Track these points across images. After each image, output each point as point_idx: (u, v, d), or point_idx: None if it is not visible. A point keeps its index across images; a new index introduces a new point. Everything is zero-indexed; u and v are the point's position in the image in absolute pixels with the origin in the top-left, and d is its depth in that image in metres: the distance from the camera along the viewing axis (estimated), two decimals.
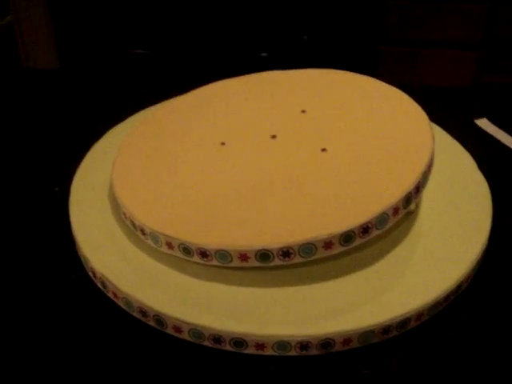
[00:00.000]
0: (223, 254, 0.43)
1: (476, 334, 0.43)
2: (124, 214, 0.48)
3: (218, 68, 0.54)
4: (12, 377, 0.41)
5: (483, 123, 0.66)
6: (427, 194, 0.52)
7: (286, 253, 0.42)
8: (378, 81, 0.56)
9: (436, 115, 0.64)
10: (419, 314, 0.43)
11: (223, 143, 0.52)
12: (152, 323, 0.43)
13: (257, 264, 0.42)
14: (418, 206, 0.51)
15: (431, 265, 0.45)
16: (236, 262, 0.43)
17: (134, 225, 0.47)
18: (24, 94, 0.75)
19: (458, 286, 0.45)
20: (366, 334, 0.41)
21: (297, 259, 0.42)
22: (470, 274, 0.46)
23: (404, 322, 0.42)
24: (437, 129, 0.60)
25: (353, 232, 0.42)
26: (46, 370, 0.42)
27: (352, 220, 0.42)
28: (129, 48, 1.65)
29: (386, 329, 0.42)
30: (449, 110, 0.69)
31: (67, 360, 0.42)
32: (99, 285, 0.47)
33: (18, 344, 0.43)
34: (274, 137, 0.52)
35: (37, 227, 0.54)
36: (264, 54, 1.69)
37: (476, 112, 0.68)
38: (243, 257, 0.42)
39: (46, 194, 0.58)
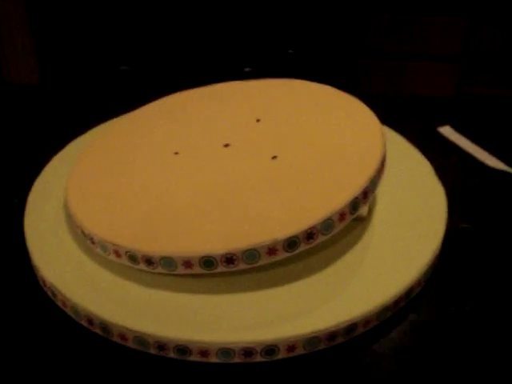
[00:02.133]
0: (168, 261, 0.42)
1: (428, 338, 0.43)
2: (75, 223, 0.48)
3: (200, 83, 0.54)
4: None
5: (446, 131, 0.67)
6: (382, 199, 0.52)
7: (229, 259, 0.42)
8: (334, 89, 0.57)
9: (400, 124, 0.64)
10: (366, 320, 0.43)
11: (176, 153, 0.52)
12: (98, 331, 0.43)
13: (201, 271, 0.42)
14: (370, 212, 0.51)
15: (381, 271, 0.45)
16: (180, 269, 0.43)
17: (84, 234, 0.47)
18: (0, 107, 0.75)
19: (408, 291, 0.45)
20: (311, 341, 0.41)
21: (241, 265, 0.42)
22: (421, 279, 0.46)
23: (350, 328, 0.42)
24: (397, 137, 0.60)
25: (297, 238, 0.42)
26: None
27: (296, 225, 0.42)
28: (111, 64, 1.66)
29: (332, 335, 0.41)
30: (413, 118, 0.69)
31: (15, 365, 0.42)
32: (49, 293, 0.46)
33: None
34: (227, 145, 0.52)
35: None
36: (248, 69, 1.70)
37: (440, 120, 0.69)
38: (187, 264, 0.42)
39: (5, 205, 0.58)
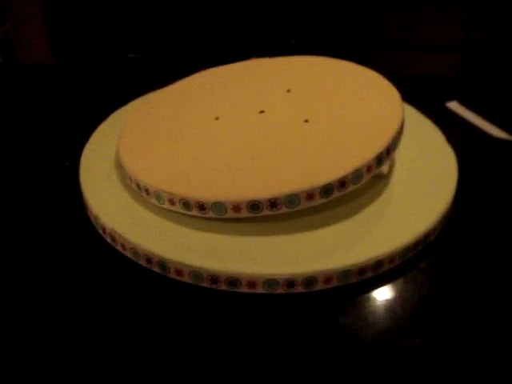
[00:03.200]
0: (218, 206, 0.49)
1: (442, 278, 0.49)
2: (130, 178, 0.54)
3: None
4: (33, 320, 0.47)
5: (454, 106, 0.73)
6: (400, 161, 0.58)
7: (273, 203, 0.48)
8: (357, 65, 0.63)
9: (410, 100, 0.70)
10: (391, 258, 0.49)
11: (217, 118, 0.58)
12: (156, 269, 0.49)
13: (248, 214, 0.48)
14: (390, 171, 0.57)
15: (402, 217, 0.52)
16: (230, 213, 0.49)
17: (138, 186, 0.53)
18: (24, 86, 0.81)
19: (426, 236, 0.51)
20: (345, 274, 0.47)
21: (283, 209, 0.48)
22: (437, 226, 0.52)
23: (378, 264, 0.48)
24: (410, 109, 0.66)
25: (331, 185, 0.48)
26: (64, 318, 0.47)
27: (330, 175, 0.48)
28: (122, 51, 1.71)
29: (362, 269, 0.48)
30: (423, 95, 0.75)
31: (82, 308, 0.48)
32: (108, 239, 0.52)
33: (36, 291, 0.49)
34: (262, 112, 0.58)
35: (50, 197, 0.59)
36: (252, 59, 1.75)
37: (448, 96, 0.75)
38: (236, 208, 0.48)
39: (56, 169, 0.63)
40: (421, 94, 0.76)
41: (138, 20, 1.69)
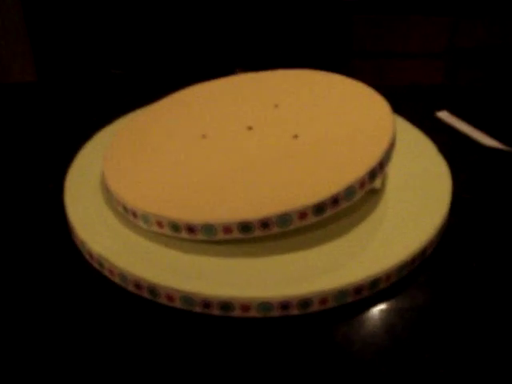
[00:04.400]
0: (208, 228, 0.47)
1: (440, 293, 0.48)
2: (116, 200, 0.52)
3: (194, 83, 0.59)
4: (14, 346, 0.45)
5: (444, 115, 0.72)
6: (393, 175, 0.57)
7: (265, 224, 0.46)
8: (345, 77, 0.62)
9: (400, 111, 0.69)
10: (388, 275, 0.47)
11: (204, 135, 0.57)
12: (146, 295, 0.48)
13: (239, 236, 0.47)
14: (383, 184, 0.56)
15: (398, 233, 0.50)
16: (220, 235, 0.47)
17: (125, 209, 0.51)
18: (11, 105, 0.79)
19: (423, 251, 0.50)
20: (341, 294, 0.46)
21: (275, 230, 0.47)
22: (434, 240, 0.51)
23: (374, 283, 0.47)
24: (400, 120, 0.65)
25: (324, 203, 0.47)
26: (49, 348, 0.45)
27: (323, 192, 0.47)
28: (108, 67, 1.70)
29: (358, 288, 0.46)
30: (412, 106, 0.74)
31: (69, 337, 0.46)
32: (96, 265, 0.51)
33: (20, 322, 0.47)
34: (250, 128, 0.57)
35: (34, 220, 0.58)
36: (238, 70, 1.74)
37: (437, 106, 0.74)
38: (227, 229, 0.47)
39: (40, 191, 0.62)
40: (410, 104, 0.75)
41: (125, 34, 1.67)
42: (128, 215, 0.51)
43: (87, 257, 0.52)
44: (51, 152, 0.69)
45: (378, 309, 0.47)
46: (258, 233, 0.47)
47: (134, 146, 0.57)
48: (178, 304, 0.47)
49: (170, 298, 0.47)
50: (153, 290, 0.47)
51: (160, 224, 0.49)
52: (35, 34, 1.66)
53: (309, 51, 1.67)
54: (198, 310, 0.46)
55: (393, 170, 0.57)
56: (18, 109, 0.79)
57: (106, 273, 0.50)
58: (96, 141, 0.64)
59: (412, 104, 0.75)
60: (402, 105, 0.73)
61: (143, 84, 0.84)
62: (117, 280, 0.49)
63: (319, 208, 0.47)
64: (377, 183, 0.54)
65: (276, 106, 0.59)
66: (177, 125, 0.59)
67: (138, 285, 0.48)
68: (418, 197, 0.54)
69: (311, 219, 0.47)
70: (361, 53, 1.60)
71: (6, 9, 1.55)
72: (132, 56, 1.71)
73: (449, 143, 0.67)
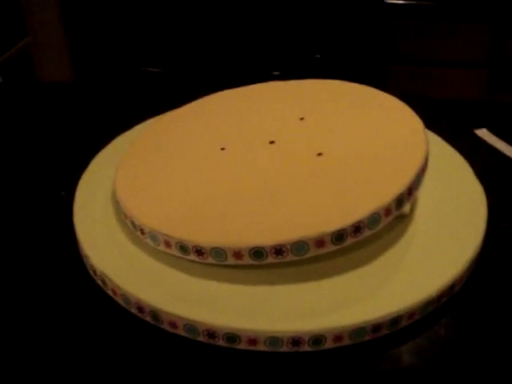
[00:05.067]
0: (218, 252, 0.44)
1: (468, 335, 0.44)
2: (125, 214, 0.49)
3: (229, 86, 0.56)
4: (15, 361, 0.43)
5: (483, 134, 0.67)
6: (423, 198, 0.53)
7: (278, 250, 0.43)
8: (375, 89, 0.58)
9: (437, 126, 0.65)
10: (411, 313, 0.43)
11: (223, 148, 0.53)
12: (148, 319, 0.44)
13: (251, 262, 0.44)
14: (412, 210, 0.52)
15: (424, 265, 0.46)
16: (230, 260, 0.44)
17: (133, 225, 0.48)
18: (38, 104, 0.77)
19: (451, 287, 0.46)
20: (357, 331, 0.42)
21: (290, 257, 0.43)
22: (464, 275, 0.47)
23: (395, 320, 0.43)
24: (435, 138, 0.61)
25: (344, 231, 0.43)
26: (48, 362, 0.43)
27: (344, 219, 0.43)
28: (142, 66, 1.68)
29: (377, 326, 0.42)
30: (450, 122, 0.70)
31: (67, 352, 0.43)
32: (99, 282, 0.48)
33: (19, 335, 0.45)
34: (272, 142, 0.53)
35: (42, 229, 0.55)
36: (276, 73, 1.71)
37: (477, 124, 0.69)
38: (237, 254, 0.43)
39: (52, 198, 0.59)
40: (447, 119, 0.70)
41: (159, 34, 1.65)
42: (136, 231, 0.48)
43: (91, 272, 0.49)
44: (68, 156, 0.66)
45: (397, 348, 0.43)
46: (270, 259, 0.43)
47: (148, 157, 0.54)
48: (181, 332, 0.43)
49: (172, 324, 0.43)
50: (155, 315, 0.44)
51: (168, 244, 0.46)
52: (72, 34, 1.65)
53: (349, 55, 1.62)
54: (202, 339, 0.43)
55: (423, 192, 0.53)
56: (49, 108, 0.77)
57: (110, 292, 0.47)
58: (112, 147, 0.61)
59: (449, 119, 0.70)
60: (437, 120, 0.69)
61: (174, 83, 0.82)
62: (119, 301, 0.46)
63: (339, 236, 0.43)
64: (405, 208, 0.50)
65: (301, 119, 0.56)
66: (196, 135, 0.56)
67: (140, 308, 0.45)
68: (450, 225, 0.50)
69: (329, 247, 0.43)
70: (401, 58, 1.55)
71: (44, 8, 1.54)
72: (169, 54, 1.69)
73: (487, 165, 0.62)
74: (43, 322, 0.46)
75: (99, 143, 0.64)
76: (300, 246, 0.43)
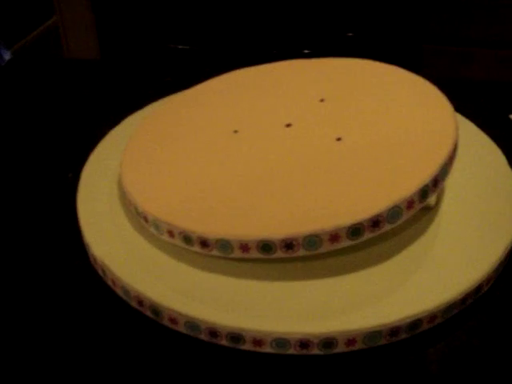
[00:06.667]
0: (224, 244, 0.40)
1: (494, 340, 0.40)
2: (129, 200, 0.46)
3: (260, 63, 0.53)
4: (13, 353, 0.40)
5: None
6: (451, 188, 0.49)
7: (289, 244, 0.39)
8: (403, 70, 0.53)
9: (469, 109, 0.60)
10: (432, 316, 0.40)
11: (236, 131, 0.50)
12: (148, 313, 0.42)
13: (258, 255, 0.40)
14: (439, 201, 0.48)
15: (449, 263, 0.42)
16: (237, 253, 0.41)
17: (137, 211, 0.45)
18: (59, 82, 0.75)
19: (477, 288, 0.42)
20: (372, 335, 0.38)
21: (301, 252, 0.40)
22: (491, 275, 0.43)
23: (414, 324, 0.39)
24: (467, 123, 0.57)
25: (361, 225, 0.39)
26: (46, 352, 0.40)
27: (361, 212, 0.39)
28: (169, 43, 1.65)
29: (394, 330, 0.39)
30: (483, 105, 0.65)
31: (64, 343, 0.41)
32: (99, 272, 0.45)
33: (17, 320, 0.42)
34: (289, 125, 0.49)
35: (46, 213, 0.53)
36: (306, 51, 1.66)
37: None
38: (244, 247, 0.40)
39: (59, 180, 0.57)
40: (480, 103, 0.66)
41: (189, 10, 1.62)
42: (140, 218, 0.45)
43: (92, 260, 0.46)
44: (81, 136, 0.63)
45: (416, 353, 0.40)
46: (279, 254, 0.40)
47: (156, 140, 0.51)
48: (182, 329, 0.40)
49: (173, 321, 0.40)
50: (155, 310, 0.41)
51: (171, 233, 0.43)
52: (99, 12, 1.62)
53: (382, 33, 1.57)
54: (203, 338, 0.40)
55: (451, 183, 0.49)
56: (70, 86, 0.74)
57: (109, 282, 0.44)
58: (121, 128, 0.58)
59: (482, 103, 0.65)
60: (470, 103, 0.64)
61: (202, 62, 0.78)
62: (119, 292, 0.43)
63: (355, 230, 0.39)
64: (430, 200, 0.46)
65: (322, 100, 0.52)
66: (208, 116, 0.52)
67: (140, 301, 0.42)
68: (479, 219, 0.46)
69: (345, 242, 0.40)
70: (438, 38, 1.49)
71: None
72: (196, 32, 1.65)
73: None
74: (41, 308, 0.44)
75: (111, 122, 0.61)
76: (312, 240, 0.39)
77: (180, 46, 1.69)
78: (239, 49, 1.65)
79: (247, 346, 0.39)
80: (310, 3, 1.61)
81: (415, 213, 0.42)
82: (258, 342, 0.39)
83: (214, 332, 0.39)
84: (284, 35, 1.65)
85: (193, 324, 0.40)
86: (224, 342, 0.39)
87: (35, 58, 0.81)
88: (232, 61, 1.62)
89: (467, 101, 0.66)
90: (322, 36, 1.66)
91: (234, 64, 0.63)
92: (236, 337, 0.39)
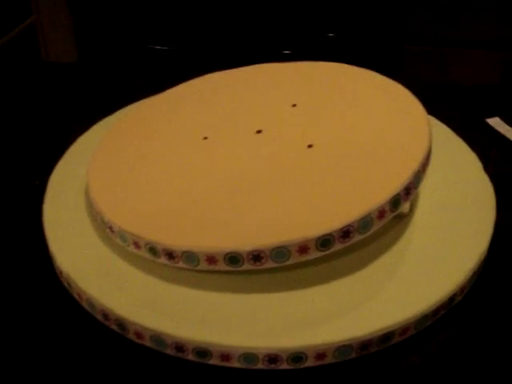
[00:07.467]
0: (190, 256, 0.39)
1: (468, 351, 0.39)
2: (95, 210, 0.45)
3: (237, 65, 0.52)
4: None
5: (495, 122, 0.62)
6: (424, 195, 0.48)
7: (256, 256, 0.38)
8: (376, 74, 0.53)
9: (445, 113, 0.60)
10: (404, 328, 0.39)
11: (205, 138, 0.49)
12: (114, 327, 0.40)
13: (225, 268, 0.39)
14: (412, 208, 0.47)
15: (421, 274, 0.41)
16: (203, 265, 0.39)
17: (103, 221, 0.44)
18: (33, 85, 0.73)
19: (450, 299, 0.41)
20: (343, 349, 0.38)
21: (269, 264, 0.39)
22: (465, 286, 0.42)
23: (386, 337, 0.38)
24: (442, 127, 0.56)
25: (331, 236, 0.38)
26: (9, 366, 0.39)
27: (330, 223, 0.38)
28: (148, 44, 1.64)
29: (365, 343, 0.38)
30: (459, 109, 0.65)
31: (28, 356, 0.40)
32: (65, 284, 0.44)
33: None
34: (259, 131, 0.48)
35: (11, 222, 0.51)
36: (287, 52, 1.65)
37: (488, 111, 0.64)
38: (211, 260, 0.39)
39: (26, 188, 0.55)
40: (454, 107, 0.65)
41: (167, 10, 1.60)
42: (106, 229, 0.44)
43: (57, 272, 0.45)
44: (50, 142, 0.62)
45: (388, 367, 0.39)
46: (247, 266, 0.39)
47: (124, 148, 0.49)
48: (148, 343, 0.39)
49: (139, 335, 0.39)
50: (121, 324, 0.40)
51: (137, 245, 0.41)
52: (77, 12, 1.60)
53: (362, 34, 1.56)
54: (170, 352, 0.39)
55: (425, 189, 0.48)
56: (48, 90, 0.72)
57: (75, 295, 0.43)
58: (90, 134, 0.56)
59: (457, 107, 0.65)
60: (445, 107, 0.64)
61: (179, 63, 0.77)
62: (85, 305, 0.42)
63: (324, 241, 0.38)
64: (404, 207, 0.45)
65: (293, 105, 0.51)
66: (177, 122, 0.51)
67: (106, 315, 0.40)
68: (453, 227, 0.45)
69: (314, 254, 0.39)
70: (419, 39, 1.48)
71: None
72: (175, 33, 1.64)
73: (498, 159, 0.57)
74: (5, 320, 0.42)
75: (82, 128, 0.60)
76: (280, 252, 0.38)
77: (158, 47, 1.67)
78: (218, 49, 1.63)
79: (214, 361, 0.38)
80: (291, 3, 1.60)
81: (387, 221, 0.41)
82: (225, 356, 0.37)
83: (180, 347, 0.38)
84: (263, 36, 1.64)
85: (158, 338, 0.38)
86: (191, 357, 0.38)
87: (10, 60, 0.79)
88: (210, 62, 1.61)
89: (443, 104, 0.65)
90: (303, 36, 1.65)
91: (211, 65, 0.62)
92: (203, 352, 0.38)
